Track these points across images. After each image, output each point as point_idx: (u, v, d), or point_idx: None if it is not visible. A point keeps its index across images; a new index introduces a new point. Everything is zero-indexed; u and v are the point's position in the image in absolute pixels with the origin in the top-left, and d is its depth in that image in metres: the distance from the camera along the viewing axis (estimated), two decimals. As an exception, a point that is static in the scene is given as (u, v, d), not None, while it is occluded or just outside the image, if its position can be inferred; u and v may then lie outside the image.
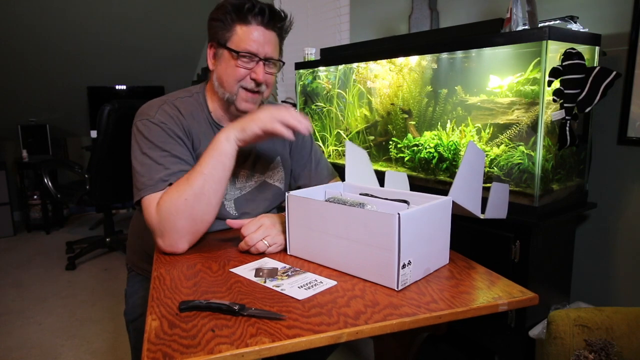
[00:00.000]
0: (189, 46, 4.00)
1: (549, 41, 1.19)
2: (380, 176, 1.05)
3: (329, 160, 1.51)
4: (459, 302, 0.72)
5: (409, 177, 1.06)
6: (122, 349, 2.02)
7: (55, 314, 2.37)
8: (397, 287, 0.77)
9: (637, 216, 1.40)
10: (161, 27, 3.72)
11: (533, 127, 1.30)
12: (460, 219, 0.93)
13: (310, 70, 2.31)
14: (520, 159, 1.35)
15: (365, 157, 1.09)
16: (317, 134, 2.29)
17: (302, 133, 0.97)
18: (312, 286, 0.79)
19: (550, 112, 1.27)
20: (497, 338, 1.41)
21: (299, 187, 1.22)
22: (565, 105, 1.24)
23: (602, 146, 1.46)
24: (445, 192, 0.87)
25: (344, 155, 2.04)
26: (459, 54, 1.55)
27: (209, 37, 1.07)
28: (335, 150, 2.22)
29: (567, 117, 1.25)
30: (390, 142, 1.83)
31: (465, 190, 0.89)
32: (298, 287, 0.78)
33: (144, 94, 4.03)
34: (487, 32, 1.41)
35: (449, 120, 1.59)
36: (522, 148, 1.35)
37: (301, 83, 2.39)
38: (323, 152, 1.79)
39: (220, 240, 1.05)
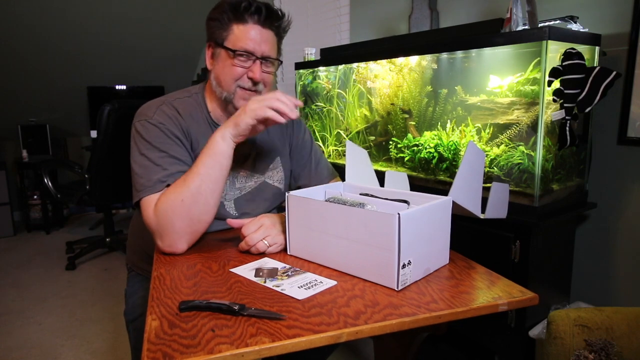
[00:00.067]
0: (189, 46, 4.00)
1: (549, 41, 1.19)
2: (380, 176, 1.05)
3: (329, 160, 1.51)
4: (459, 302, 0.72)
5: (409, 177, 1.06)
6: (122, 349, 2.02)
7: (55, 314, 2.37)
8: (397, 287, 0.77)
9: (637, 216, 1.40)
10: (161, 27, 3.72)
11: (533, 127, 1.30)
12: (460, 219, 0.93)
13: (310, 70, 2.31)
14: (520, 159, 1.35)
15: (366, 157, 1.08)
16: (317, 134, 2.29)
17: (290, 118, 0.94)
18: (312, 286, 0.79)
19: (550, 112, 1.27)
20: (497, 338, 1.41)
21: (299, 187, 1.22)
22: (565, 105, 1.24)
23: (602, 146, 1.46)
24: (445, 192, 0.87)
25: (344, 155, 2.03)
26: (459, 54, 1.55)
27: (207, 36, 1.07)
28: (335, 150, 2.22)
29: (567, 117, 1.25)
30: (390, 142, 1.83)
31: (465, 190, 0.89)
32: (298, 287, 0.78)
33: (144, 94, 4.03)
34: (487, 32, 1.41)
35: (449, 120, 1.59)
36: (522, 148, 1.35)
37: (301, 83, 2.39)
38: (323, 152, 1.79)
39: (220, 240, 1.05)
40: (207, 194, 0.95)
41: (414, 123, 1.74)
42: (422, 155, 1.67)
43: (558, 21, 1.34)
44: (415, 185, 1.58)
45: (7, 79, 3.52)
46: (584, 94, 1.24)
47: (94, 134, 3.64)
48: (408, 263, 0.78)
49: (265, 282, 0.81)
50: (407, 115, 1.77)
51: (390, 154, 1.83)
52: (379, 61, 1.87)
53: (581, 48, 1.25)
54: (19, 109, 3.81)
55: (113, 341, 2.09)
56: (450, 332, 1.57)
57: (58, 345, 2.06)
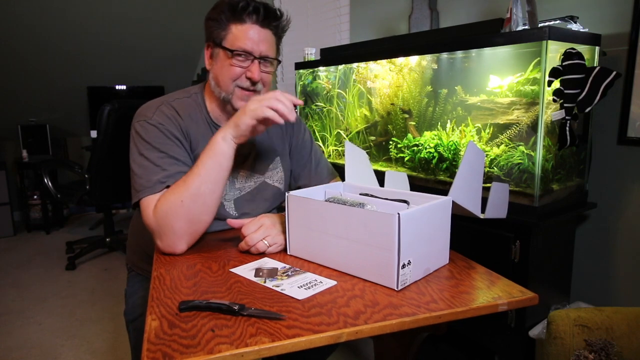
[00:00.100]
0: (189, 46, 4.00)
1: (549, 41, 1.19)
2: (380, 176, 1.05)
3: (329, 160, 1.51)
4: (459, 302, 0.72)
5: (409, 177, 1.06)
6: (122, 349, 2.02)
7: (55, 314, 2.37)
8: (397, 287, 0.77)
9: (637, 216, 1.40)
10: (161, 27, 3.72)
11: (533, 127, 1.30)
12: (460, 219, 0.93)
13: (310, 70, 2.31)
14: (520, 159, 1.35)
15: (365, 157, 1.09)
16: (317, 134, 2.29)
17: (289, 120, 0.93)
18: (312, 286, 0.79)
19: (550, 112, 1.27)
20: (497, 338, 1.41)
21: (299, 187, 1.22)
22: (565, 105, 1.24)
23: (602, 146, 1.46)
24: (445, 192, 0.87)
25: (344, 155, 2.04)
26: (459, 54, 1.55)
27: (206, 37, 1.07)
28: (335, 150, 2.22)
29: (567, 117, 1.25)
30: (390, 142, 1.83)
31: (465, 190, 0.89)
32: (298, 287, 0.78)
33: (144, 94, 4.03)
34: (487, 32, 1.41)
35: (449, 120, 1.58)
36: (522, 148, 1.35)
37: (301, 83, 2.39)
38: (323, 152, 1.79)
39: (220, 240, 1.05)
40: (206, 194, 0.95)
41: (414, 123, 1.74)
42: (422, 155, 1.67)
43: (558, 21, 1.34)
44: (415, 185, 1.58)
45: (7, 79, 3.52)
46: (584, 94, 1.24)
47: (94, 134, 3.64)
48: (408, 263, 0.78)
49: (265, 282, 0.81)
50: (407, 115, 1.77)
51: (390, 154, 1.83)
52: (379, 61, 1.86)
53: (581, 48, 1.25)
54: (19, 109, 3.82)
55: (113, 341, 2.09)
56: (450, 332, 1.57)
57: (58, 345, 2.06)
